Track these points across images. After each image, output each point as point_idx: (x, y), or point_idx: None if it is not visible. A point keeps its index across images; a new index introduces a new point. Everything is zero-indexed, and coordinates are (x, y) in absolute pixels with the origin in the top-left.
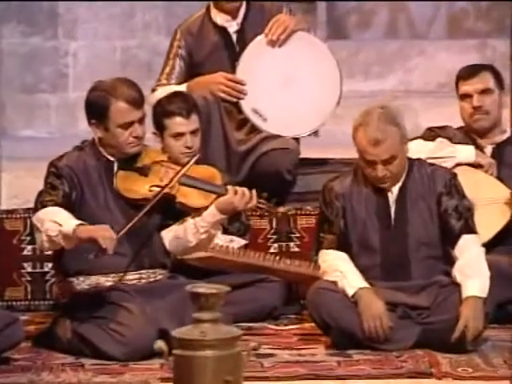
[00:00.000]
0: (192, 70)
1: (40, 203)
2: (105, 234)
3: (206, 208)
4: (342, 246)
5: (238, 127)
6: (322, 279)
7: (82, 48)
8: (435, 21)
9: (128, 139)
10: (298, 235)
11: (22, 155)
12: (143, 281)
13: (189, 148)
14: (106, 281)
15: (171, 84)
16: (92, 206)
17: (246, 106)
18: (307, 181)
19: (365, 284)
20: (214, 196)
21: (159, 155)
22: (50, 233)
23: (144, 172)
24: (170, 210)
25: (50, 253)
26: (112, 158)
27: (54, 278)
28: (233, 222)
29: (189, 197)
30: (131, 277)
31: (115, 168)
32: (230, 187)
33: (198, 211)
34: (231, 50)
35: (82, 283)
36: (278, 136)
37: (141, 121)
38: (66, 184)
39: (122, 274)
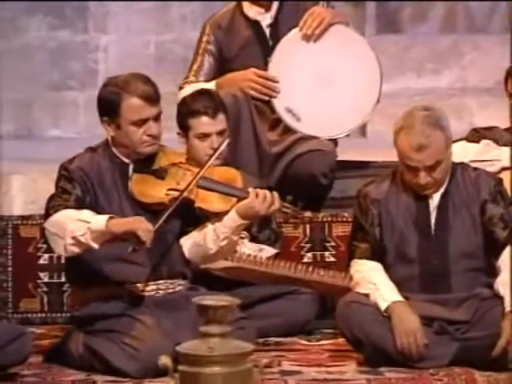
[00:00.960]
0: (222, 67)
1: (51, 208)
2: (142, 226)
3: (226, 213)
4: (377, 255)
5: (271, 127)
6: (353, 291)
7: (113, 42)
8: (494, 15)
9: (142, 138)
10: (333, 244)
11: (46, 157)
12: (161, 292)
13: (215, 149)
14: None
15: (199, 81)
16: (106, 212)
17: (279, 104)
18: (345, 185)
19: (399, 297)
20: (234, 200)
21: (177, 156)
22: (77, 233)
23: (160, 175)
24: (189, 216)
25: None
26: (127, 160)
27: None
28: (263, 229)
29: (208, 201)
30: (148, 288)
31: (130, 170)
32: (250, 190)
33: (217, 216)
34: (264, 45)
35: (98, 293)
36: (313, 137)
37: (156, 118)
38: (78, 188)
39: (138, 285)
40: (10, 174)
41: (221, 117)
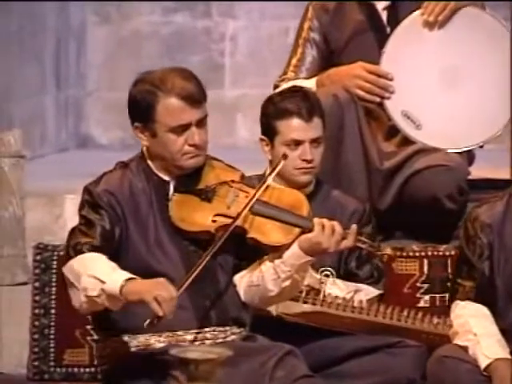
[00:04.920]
0: (328, 60)
1: (73, 248)
2: (162, 295)
3: (287, 246)
4: (485, 296)
5: (388, 137)
6: (449, 343)
7: (243, 30)
8: None
9: (183, 148)
10: None
11: None
12: (208, 342)
13: (308, 162)
14: (158, 341)
15: (299, 78)
16: (139, 245)
17: (393, 108)
18: None
19: (504, 353)
20: (297, 230)
21: (228, 173)
22: (90, 293)
23: (207, 196)
24: (241, 247)
25: None
26: (166, 177)
27: None
28: (362, 264)
29: (264, 231)
30: (191, 336)
31: (171, 190)
32: (316, 221)
33: (276, 250)
34: (379, 33)
35: (129, 344)
36: (437, 149)
37: (200, 124)
38: (105, 218)
39: (179, 333)
40: (64, 193)
41: (316, 121)
